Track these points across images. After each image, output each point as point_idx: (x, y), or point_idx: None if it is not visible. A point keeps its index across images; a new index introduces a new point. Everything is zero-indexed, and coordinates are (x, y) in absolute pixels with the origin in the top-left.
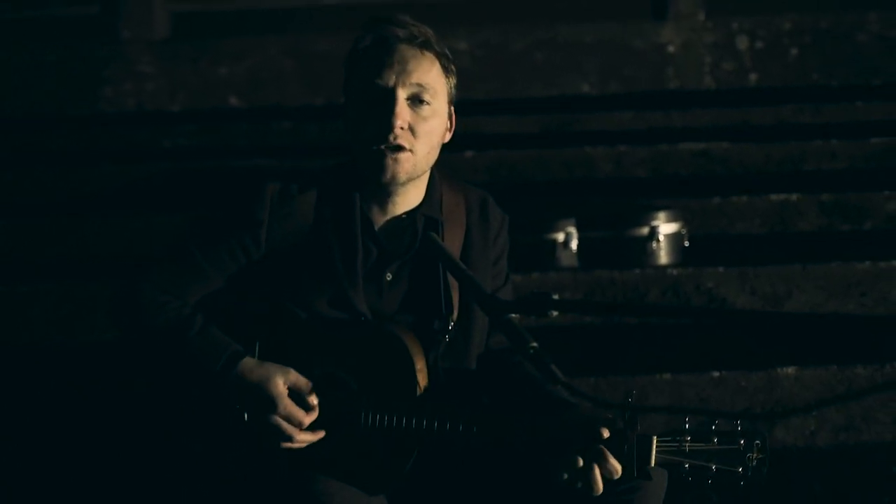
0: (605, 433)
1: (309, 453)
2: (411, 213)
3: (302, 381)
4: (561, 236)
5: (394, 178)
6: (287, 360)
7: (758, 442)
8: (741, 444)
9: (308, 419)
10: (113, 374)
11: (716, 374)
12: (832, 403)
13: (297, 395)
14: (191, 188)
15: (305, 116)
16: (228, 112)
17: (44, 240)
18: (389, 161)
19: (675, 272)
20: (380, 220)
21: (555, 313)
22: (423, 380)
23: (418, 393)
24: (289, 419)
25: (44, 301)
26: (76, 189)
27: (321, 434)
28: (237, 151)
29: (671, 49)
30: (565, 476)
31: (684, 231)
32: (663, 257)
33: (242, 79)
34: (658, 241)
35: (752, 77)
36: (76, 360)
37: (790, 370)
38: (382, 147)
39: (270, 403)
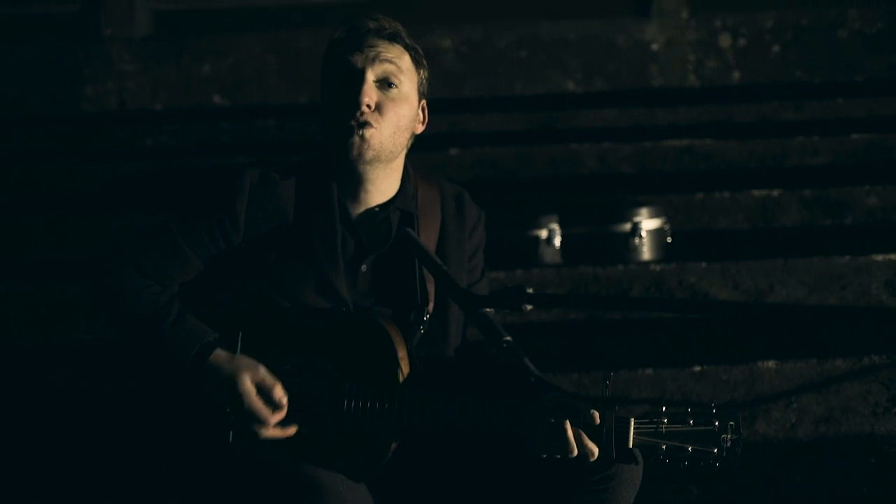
0: (597, 418)
1: (292, 441)
2: (385, 206)
3: (269, 378)
4: (544, 233)
5: (360, 153)
6: (269, 350)
7: (732, 423)
8: (716, 426)
9: (275, 417)
10: (92, 374)
11: (697, 368)
12: (808, 391)
13: (264, 393)
14: (173, 187)
15: (289, 114)
16: (211, 110)
17: (23, 240)
18: (356, 137)
19: (657, 268)
20: (355, 210)
21: (529, 307)
22: (405, 368)
23: (400, 381)
24: (254, 416)
25: (22, 302)
26: (57, 189)
27: (292, 430)
28: (220, 150)
29: (655, 47)
30: (545, 455)
31: (667, 227)
32: (646, 253)
33: (225, 76)
34: (640, 236)
35: (735, 74)
36: (55, 362)
37: (770, 364)
38: (350, 123)
39: (237, 400)
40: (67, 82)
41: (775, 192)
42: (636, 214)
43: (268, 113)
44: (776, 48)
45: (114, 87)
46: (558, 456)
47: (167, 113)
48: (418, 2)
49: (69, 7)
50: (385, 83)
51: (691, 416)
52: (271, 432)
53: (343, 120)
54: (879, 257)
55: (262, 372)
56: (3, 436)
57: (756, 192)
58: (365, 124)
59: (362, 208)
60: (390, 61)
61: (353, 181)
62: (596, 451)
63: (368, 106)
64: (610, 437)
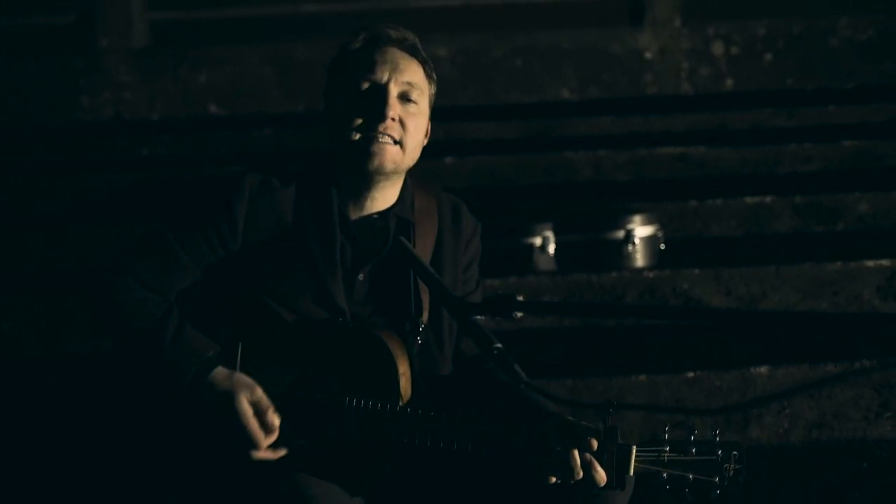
0: (594, 444)
1: (290, 454)
2: (384, 214)
3: (265, 400)
4: (538, 240)
5: (381, 165)
6: (269, 361)
7: (735, 453)
8: (719, 455)
9: (267, 441)
10: (90, 384)
11: (690, 374)
12: (799, 392)
13: (259, 414)
14: (170, 197)
15: (286, 124)
16: (208, 120)
17: (21, 251)
18: (377, 148)
19: (651, 274)
20: (355, 217)
21: (519, 314)
22: (405, 384)
23: (400, 397)
24: (248, 439)
25: (21, 313)
26: (53, 200)
27: (282, 452)
28: (217, 160)
29: (648, 55)
30: (552, 479)
31: (660, 234)
32: (639, 260)
33: (222, 87)
34: (634, 243)
35: (728, 82)
36: (55, 372)
37: (763, 369)
38: (372, 135)
39: (233, 420)
40: (64, 93)
41: (768, 199)
42: (630, 221)
43: (265, 123)
44: (768, 56)
45: (110, 97)
46: (561, 481)
47: (164, 123)
48: (415, 10)
49: (66, 18)
50: (405, 98)
51: (694, 445)
52: (262, 454)
53: (365, 131)
54: (870, 263)
55: (259, 393)
56: (4, 443)
57: (749, 199)
58: (388, 137)
59: (361, 215)
60: (411, 77)
61: (357, 190)
62: (605, 478)
63: (392, 119)
64: (612, 464)
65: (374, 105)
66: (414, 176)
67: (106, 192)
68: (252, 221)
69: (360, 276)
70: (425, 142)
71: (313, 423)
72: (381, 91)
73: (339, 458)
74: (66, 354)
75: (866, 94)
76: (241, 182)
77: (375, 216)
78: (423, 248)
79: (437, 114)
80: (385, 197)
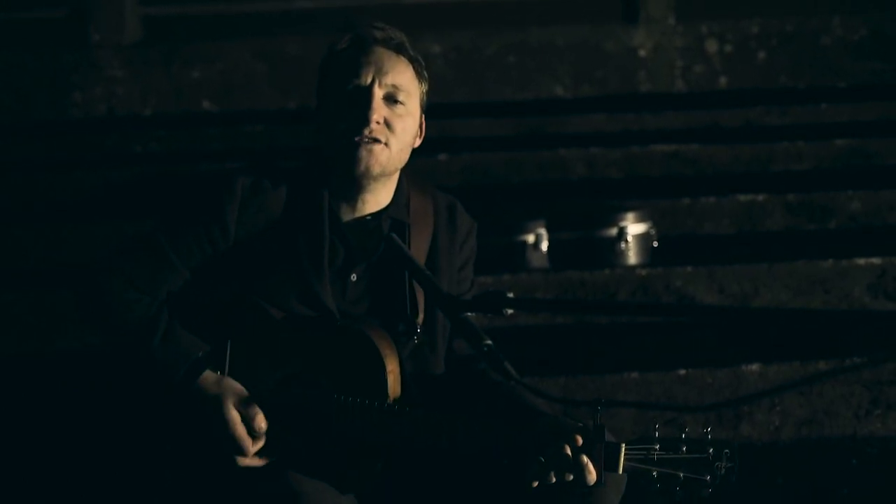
0: (579, 440)
1: (280, 452)
2: (378, 215)
3: (253, 407)
4: (531, 238)
5: (368, 169)
6: (259, 360)
7: (727, 451)
8: (710, 454)
9: (254, 447)
10: (79, 383)
11: (682, 371)
12: (790, 389)
13: (247, 421)
14: (163, 194)
15: (278, 120)
16: (201, 116)
17: (12, 248)
18: (364, 152)
19: (644, 272)
20: (348, 218)
21: (510, 311)
22: (393, 382)
23: (389, 396)
24: (234, 444)
25: (12, 310)
26: (45, 196)
27: (269, 459)
28: (210, 155)
29: (642, 52)
30: (535, 482)
31: (653, 231)
32: (632, 257)
33: (215, 82)
34: (626, 241)
35: (722, 80)
36: (53, 369)
37: (754, 367)
38: (357, 139)
39: (221, 426)
40: (55, 88)
41: (760, 197)
42: (622, 219)
43: (257, 119)
44: (762, 54)
45: (102, 93)
46: (554, 481)
47: (156, 119)
48: (407, 8)
49: (56, 12)
50: (391, 99)
51: (685, 443)
52: (249, 461)
53: (350, 135)
54: (862, 261)
55: (247, 399)
56: None
57: (742, 197)
58: (374, 140)
59: (354, 217)
60: (395, 79)
61: (348, 191)
62: (595, 476)
63: (377, 122)
64: (600, 463)
65: (359, 108)
66: (409, 175)
67: (98, 188)
68: (243, 222)
69: (353, 277)
70: (418, 142)
71: (303, 420)
72: (366, 94)
73: (329, 455)
74: (56, 352)
75: (858, 93)
76: (232, 183)
77: (368, 217)
78: (418, 249)
79: (430, 111)
80: (378, 198)
